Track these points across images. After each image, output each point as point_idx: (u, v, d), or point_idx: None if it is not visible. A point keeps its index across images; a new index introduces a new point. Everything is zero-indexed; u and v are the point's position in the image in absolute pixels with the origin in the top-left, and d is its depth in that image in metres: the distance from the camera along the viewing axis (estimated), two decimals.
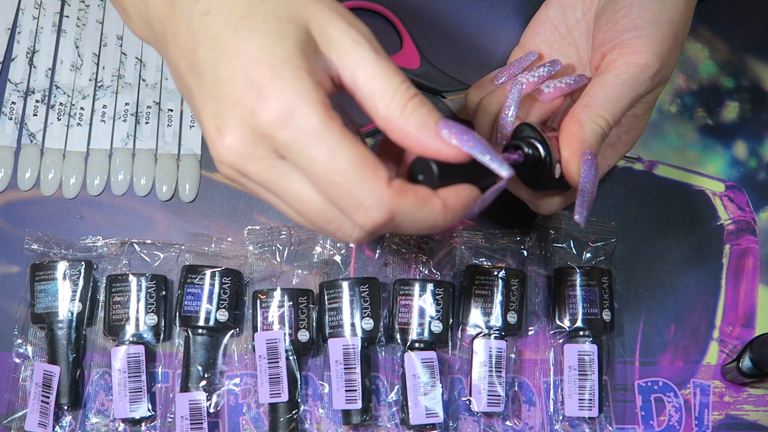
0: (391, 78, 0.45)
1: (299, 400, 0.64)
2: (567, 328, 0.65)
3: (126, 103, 0.69)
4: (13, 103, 0.69)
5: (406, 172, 0.48)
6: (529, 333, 0.66)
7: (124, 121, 0.69)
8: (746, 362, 0.62)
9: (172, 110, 0.69)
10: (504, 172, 0.47)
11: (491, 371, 0.63)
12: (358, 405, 0.62)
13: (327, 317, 0.64)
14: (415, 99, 0.45)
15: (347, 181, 0.43)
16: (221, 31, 0.44)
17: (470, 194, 0.47)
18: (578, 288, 0.65)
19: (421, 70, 0.70)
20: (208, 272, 0.64)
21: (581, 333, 0.64)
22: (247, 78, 0.43)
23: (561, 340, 0.65)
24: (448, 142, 0.45)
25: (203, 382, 0.63)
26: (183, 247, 0.66)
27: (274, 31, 0.44)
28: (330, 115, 0.43)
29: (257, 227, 0.66)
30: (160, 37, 0.48)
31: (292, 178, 0.45)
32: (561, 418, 0.64)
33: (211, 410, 0.64)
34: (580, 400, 0.63)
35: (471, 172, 0.47)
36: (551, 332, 0.66)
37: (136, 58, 0.70)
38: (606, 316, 0.64)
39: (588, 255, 0.67)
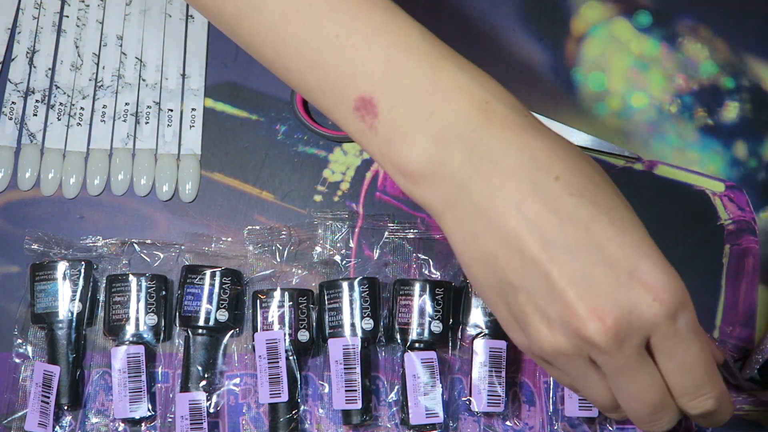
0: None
1: (299, 400, 0.64)
2: None
3: (126, 103, 0.69)
4: (13, 103, 0.69)
5: None
6: None
7: (124, 121, 0.69)
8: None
9: (172, 110, 0.69)
10: None
11: (491, 371, 0.63)
12: (358, 405, 0.62)
13: (327, 317, 0.64)
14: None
15: (706, 371, 0.48)
16: (595, 215, 0.45)
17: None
18: None
19: None
20: (208, 272, 0.64)
21: None
22: (635, 269, 0.45)
23: None
24: None
25: (203, 382, 0.63)
26: (183, 247, 0.66)
27: (642, 226, 0.47)
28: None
29: (257, 227, 0.66)
30: (476, 202, 0.46)
31: (649, 367, 0.47)
32: (561, 418, 0.64)
33: (211, 410, 0.64)
34: (580, 399, 0.63)
35: None
36: None
37: (136, 58, 0.70)
38: None
39: None
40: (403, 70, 0.47)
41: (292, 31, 0.49)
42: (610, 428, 0.65)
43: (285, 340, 0.63)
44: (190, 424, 0.63)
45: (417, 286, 0.64)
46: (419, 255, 0.67)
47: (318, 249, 0.66)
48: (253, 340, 0.63)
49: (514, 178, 0.45)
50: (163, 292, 0.65)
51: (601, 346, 0.45)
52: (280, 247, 0.66)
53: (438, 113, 0.46)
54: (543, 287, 0.45)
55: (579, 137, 0.69)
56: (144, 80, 0.70)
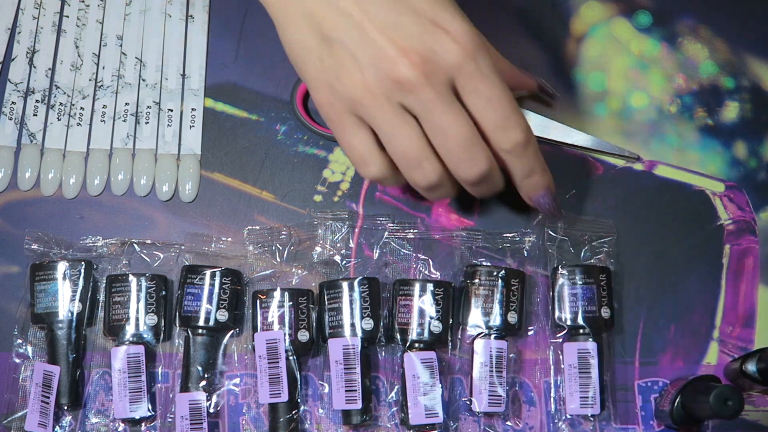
0: None
1: (299, 400, 0.64)
2: (566, 327, 0.65)
3: (126, 103, 0.69)
4: (13, 103, 0.69)
5: None
6: (529, 332, 0.66)
7: (124, 121, 0.69)
8: (751, 367, 0.62)
9: (172, 110, 0.69)
10: None
11: (492, 371, 0.63)
12: (358, 405, 0.62)
13: (327, 317, 0.64)
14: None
15: (508, 107, 0.54)
16: None
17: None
18: (576, 286, 0.65)
19: None
20: (208, 272, 0.64)
21: (581, 331, 0.64)
22: (437, 16, 0.52)
23: (561, 339, 0.65)
24: None
25: (203, 382, 0.63)
26: (183, 247, 0.66)
27: None
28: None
29: (257, 227, 0.66)
30: None
31: (455, 106, 0.53)
32: (563, 417, 0.64)
33: (211, 410, 0.64)
34: (581, 398, 0.63)
35: None
36: (550, 331, 0.66)
37: (136, 58, 0.70)
38: (605, 313, 0.64)
39: (587, 253, 0.67)
40: None
41: None
42: (614, 425, 0.65)
43: (285, 340, 0.63)
44: (190, 424, 0.63)
45: (417, 286, 0.64)
46: (419, 255, 0.67)
47: (318, 249, 0.66)
48: (253, 340, 0.63)
49: None
50: (163, 292, 0.65)
51: (412, 81, 0.52)
52: (280, 247, 0.66)
53: None
54: (356, 35, 0.52)
55: (579, 137, 0.69)
56: (144, 80, 0.70)
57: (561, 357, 0.65)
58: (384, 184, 0.58)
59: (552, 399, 0.65)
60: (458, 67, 0.52)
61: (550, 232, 0.66)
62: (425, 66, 0.51)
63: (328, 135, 0.69)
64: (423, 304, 0.64)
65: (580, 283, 0.65)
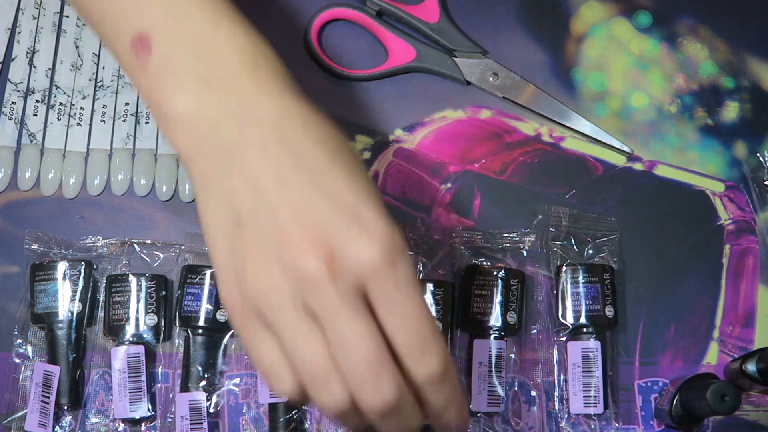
0: None
1: None
2: (570, 326, 0.65)
3: (126, 103, 0.69)
4: (13, 103, 0.69)
5: None
6: (532, 332, 0.66)
7: (124, 121, 0.69)
8: (751, 367, 0.62)
9: None
10: None
11: (491, 371, 0.63)
12: None
13: None
14: None
15: (426, 326, 0.45)
16: (332, 164, 0.46)
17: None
18: (580, 285, 0.65)
19: (438, 25, 0.70)
20: (208, 272, 0.64)
21: (584, 330, 0.64)
22: (357, 212, 0.45)
23: (564, 338, 0.65)
24: None
25: (203, 382, 0.63)
26: (183, 247, 0.66)
27: (370, 181, 0.48)
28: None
29: None
30: (226, 144, 0.47)
31: (364, 314, 0.44)
32: (566, 416, 0.64)
33: (211, 410, 0.64)
34: (584, 397, 0.63)
35: None
36: (554, 330, 0.66)
37: None
38: (609, 312, 0.64)
39: (590, 252, 0.67)
40: (184, 14, 0.49)
41: None
42: (616, 424, 0.65)
43: None
44: (190, 424, 0.63)
45: None
46: (418, 255, 0.67)
47: None
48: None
49: (265, 125, 0.46)
50: (163, 292, 0.65)
51: (315, 276, 0.43)
52: None
53: (208, 61, 0.48)
54: (268, 220, 0.45)
55: (578, 122, 0.69)
56: None
57: (564, 356, 0.65)
58: (309, 404, 0.49)
59: (555, 398, 0.65)
60: (372, 271, 0.44)
61: (552, 230, 0.66)
62: (333, 261, 0.43)
63: (341, 72, 0.69)
64: None
65: (584, 281, 0.65)
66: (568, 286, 0.65)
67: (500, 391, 0.63)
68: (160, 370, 0.65)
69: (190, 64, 0.48)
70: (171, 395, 0.64)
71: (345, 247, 0.44)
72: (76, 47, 0.71)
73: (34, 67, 0.70)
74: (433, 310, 0.63)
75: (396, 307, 0.44)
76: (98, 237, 0.66)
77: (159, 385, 0.65)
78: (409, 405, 0.46)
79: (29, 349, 0.65)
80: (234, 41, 0.49)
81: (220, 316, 0.63)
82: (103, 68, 0.70)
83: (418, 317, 0.45)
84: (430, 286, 0.64)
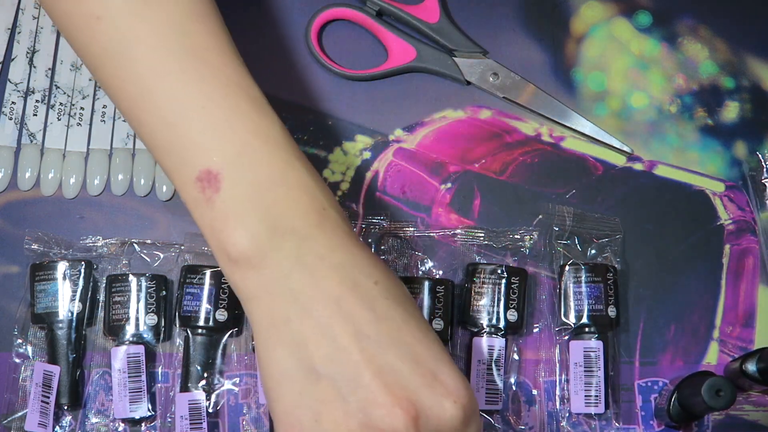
0: None
1: None
2: (572, 325, 0.65)
3: None
4: (13, 103, 0.69)
5: None
6: (534, 330, 0.66)
7: (124, 121, 0.69)
8: (751, 367, 0.62)
9: None
10: None
11: (491, 369, 0.63)
12: None
13: None
14: None
15: None
16: (406, 318, 0.48)
17: None
18: (583, 284, 0.65)
19: (438, 25, 0.70)
20: (207, 272, 0.64)
21: (586, 329, 0.64)
22: (438, 371, 0.48)
23: (566, 337, 0.65)
24: None
25: (203, 382, 0.63)
26: (183, 247, 0.66)
27: (436, 335, 0.50)
28: None
29: None
30: (297, 289, 0.47)
31: None
32: (567, 415, 0.64)
33: (211, 410, 0.64)
34: (586, 396, 0.63)
35: None
36: (556, 329, 0.66)
37: None
38: (611, 312, 0.65)
39: (593, 251, 0.67)
40: (257, 157, 0.49)
41: (157, 88, 0.50)
42: (617, 424, 0.65)
43: None
44: (190, 424, 0.62)
45: (417, 284, 0.64)
46: (419, 254, 0.67)
47: None
48: (253, 341, 0.63)
49: (337, 275, 0.47)
50: (163, 292, 0.65)
51: None
52: None
53: (278, 205, 0.48)
54: (350, 375, 0.46)
55: (578, 122, 0.69)
56: None
57: (566, 355, 0.65)
58: None
59: (557, 397, 0.65)
60: (450, 428, 0.47)
61: (556, 229, 0.66)
62: (418, 422, 0.46)
63: (341, 72, 0.69)
64: (423, 302, 0.64)
65: (587, 281, 0.65)
66: (571, 285, 0.65)
67: (499, 388, 0.63)
68: (160, 370, 0.65)
69: (260, 207, 0.48)
70: (171, 395, 0.64)
71: (429, 407, 0.46)
72: None
73: (34, 67, 0.70)
74: (433, 308, 0.63)
75: None
76: (98, 237, 0.66)
77: (159, 385, 0.65)
78: None
79: (29, 349, 0.65)
80: (305, 187, 0.49)
81: (220, 316, 0.63)
82: None
83: None
84: (430, 284, 0.64)
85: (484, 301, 0.64)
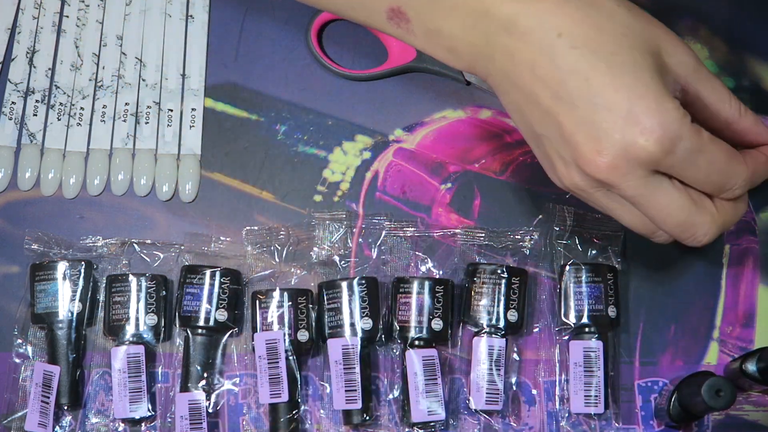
0: (724, 91, 0.55)
1: (299, 400, 0.64)
2: (572, 325, 0.65)
3: (126, 103, 0.69)
4: (13, 103, 0.69)
5: None
6: (534, 330, 0.66)
7: (124, 121, 0.69)
8: (751, 366, 0.62)
9: (172, 110, 0.69)
10: None
11: (491, 369, 0.63)
12: (358, 405, 0.62)
13: (326, 317, 0.64)
14: (743, 105, 0.55)
15: (724, 172, 0.52)
16: (594, 64, 0.50)
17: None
18: (583, 284, 0.65)
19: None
20: (207, 272, 0.64)
21: (586, 329, 0.64)
22: (630, 111, 0.49)
23: (566, 337, 0.65)
24: None
25: (203, 382, 0.63)
26: (183, 247, 0.66)
27: (642, 65, 0.50)
28: (699, 128, 0.51)
29: (255, 228, 0.66)
30: (502, 69, 0.52)
31: (664, 189, 0.52)
32: (567, 415, 0.64)
33: (211, 410, 0.64)
34: (586, 396, 0.63)
35: None
36: (556, 329, 0.66)
37: (136, 58, 0.70)
38: (611, 312, 0.64)
39: (593, 251, 0.67)
40: None
41: None
42: (616, 424, 0.65)
43: (285, 340, 0.63)
44: (190, 424, 0.63)
45: (416, 284, 0.64)
46: (419, 254, 0.67)
47: (316, 249, 0.66)
48: (253, 340, 0.63)
49: (524, 43, 0.51)
50: (163, 292, 0.65)
51: (607, 182, 0.51)
52: (279, 248, 0.66)
53: (458, 4, 0.52)
54: (557, 134, 0.51)
55: None
56: (144, 80, 0.70)
57: (566, 355, 0.65)
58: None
59: (556, 397, 0.65)
60: (655, 162, 0.50)
61: (556, 228, 0.66)
62: (618, 166, 0.50)
63: (341, 72, 0.69)
64: (423, 302, 0.64)
65: (588, 281, 0.65)
66: (571, 285, 0.65)
67: (500, 389, 0.63)
68: (159, 370, 0.65)
69: (445, 13, 0.53)
70: (171, 395, 0.64)
71: (625, 151, 0.50)
72: (76, 47, 0.71)
73: (34, 67, 0.70)
74: (433, 307, 0.63)
75: (689, 176, 0.52)
76: (98, 237, 0.66)
77: (159, 385, 0.65)
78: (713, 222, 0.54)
79: (29, 349, 0.65)
80: None
81: (220, 316, 0.64)
82: (103, 68, 0.70)
83: (709, 171, 0.52)
84: (430, 284, 0.64)
85: (484, 301, 0.64)
